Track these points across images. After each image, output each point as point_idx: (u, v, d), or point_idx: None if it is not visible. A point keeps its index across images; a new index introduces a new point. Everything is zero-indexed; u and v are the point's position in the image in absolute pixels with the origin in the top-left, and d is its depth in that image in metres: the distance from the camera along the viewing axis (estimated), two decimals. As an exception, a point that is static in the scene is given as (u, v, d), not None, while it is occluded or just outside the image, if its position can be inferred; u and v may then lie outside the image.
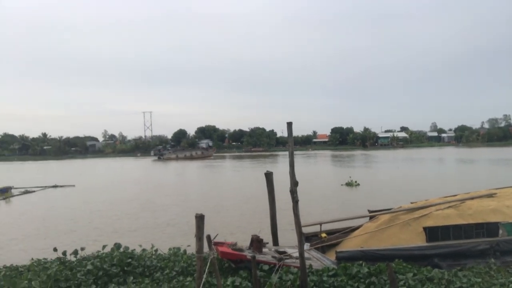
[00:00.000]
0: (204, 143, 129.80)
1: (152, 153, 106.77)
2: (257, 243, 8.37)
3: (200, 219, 5.77)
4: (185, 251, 9.10)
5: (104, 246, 8.61)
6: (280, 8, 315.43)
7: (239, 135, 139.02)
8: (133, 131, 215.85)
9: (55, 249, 8.34)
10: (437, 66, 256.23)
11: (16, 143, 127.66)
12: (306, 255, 7.31)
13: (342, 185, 28.30)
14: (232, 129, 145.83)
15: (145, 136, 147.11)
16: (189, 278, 7.16)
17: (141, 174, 48.62)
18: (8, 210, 23.07)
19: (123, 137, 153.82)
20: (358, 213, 13.39)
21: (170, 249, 9.24)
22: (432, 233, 8.77)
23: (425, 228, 8.89)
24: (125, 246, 8.57)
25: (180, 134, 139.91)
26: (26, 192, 30.07)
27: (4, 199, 26.82)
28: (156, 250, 9.08)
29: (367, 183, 28.95)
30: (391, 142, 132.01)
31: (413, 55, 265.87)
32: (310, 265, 7.25)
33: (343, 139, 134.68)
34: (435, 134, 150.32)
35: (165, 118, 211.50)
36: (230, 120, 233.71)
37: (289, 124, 6.59)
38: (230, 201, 22.53)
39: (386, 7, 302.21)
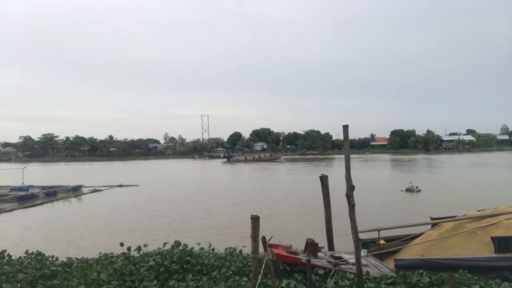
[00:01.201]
0: (258, 145, 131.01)
1: (222, 155, 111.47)
2: (312, 247, 8.32)
3: (255, 220, 5.88)
4: (241, 251, 9.27)
5: (165, 244, 9.03)
6: (333, 10, 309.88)
7: (293, 138, 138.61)
8: (191, 134, 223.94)
9: (121, 244, 8.90)
10: (507, 63, 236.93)
11: (86, 144, 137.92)
12: (363, 261, 7.14)
13: (401, 190, 27.16)
14: (286, 132, 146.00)
15: (202, 138, 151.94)
16: (244, 278, 7.30)
17: (201, 175, 50.16)
18: (79, 207, 24.97)
19: (182, 140, 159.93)
20: (419, 220, 12.80)
21: (226, 249, 9.46)
22: (501, 243, 8.16)
23: (493, 238, 8.29)
24: (184, 244, 8.92)
25: (236, 137, 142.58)
26: (95, 190, 32.33)
27: (75, 196, 29.10)
28: (213, 249, 9.34)
29: (429, 189, 27.52)
30: (456, 146, 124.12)
31: (479, 53, 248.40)
32: (368, 272, 7.08)
33: (404, 143, 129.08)
34: (506, 137, 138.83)
35: (221, 121, 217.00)
36: (284, 122, 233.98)
37: (345, 127, 6.50)
38: (285, 204, 22.56)
39: (447, 3, 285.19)
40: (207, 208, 21.68)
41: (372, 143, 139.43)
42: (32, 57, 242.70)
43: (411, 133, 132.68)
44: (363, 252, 8.63)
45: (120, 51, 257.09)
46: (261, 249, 6.47)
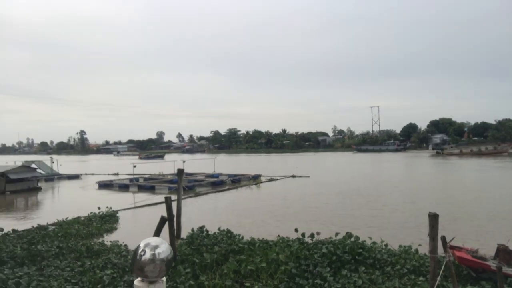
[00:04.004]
0: (437, 138, 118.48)
1: (430, 147, 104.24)
2: (505, 254, 7.28)
3: (433, 218, 5.55)
4: (416, 250, 8.80)
5: (336, 234, 9.30)
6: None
7: (481, 129, 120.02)
8: (360, 126, 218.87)
9: (296, 230, 9.60)
10: None
11: (263, 138, 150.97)
12: None
13: None
14: (472, 122, 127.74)
15: (372, 131, 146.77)
16: (421, 278, 6.95)
17: (375, 170, 48.86)
18: (258, 193, 27.71)
19: (351, 132, 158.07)
20: None
21: (400, 246, 9.13)
22: None
23: None
24: (356, 236, 9.01)
25: (410, 128, 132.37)
26: (271, 179, 35.23)
27: (255, 184, 32.35)
28: (386, 245, 9.14)
29: None
30: None
31: None
32: None
33: None
34: None
35: (394, 112, 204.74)
36: (469, 111, 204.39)
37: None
38: (470, 205, 20.02)
39: None
40: (377, 204, 21.05)
41: None
42: (219, 63, 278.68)
43: None
44: None
45: (293, 49, 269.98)
46: (440, 250, 6.05)
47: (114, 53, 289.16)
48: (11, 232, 12.78)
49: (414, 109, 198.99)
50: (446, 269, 5.59)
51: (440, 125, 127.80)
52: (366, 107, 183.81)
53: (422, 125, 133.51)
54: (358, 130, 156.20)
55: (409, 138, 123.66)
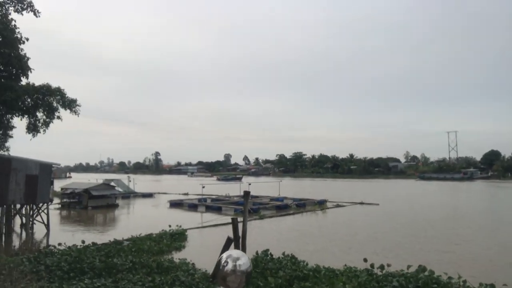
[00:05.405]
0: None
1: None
2: None
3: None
4: (500, 291, 7.97)
5: (409, 266, 8.75)
6: None
7: None
8: (436, 153, 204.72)
9: (365, 260, 9.20)
10: None
11: (329, 162, 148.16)
12: None
13: None
14: None
15: (449, 157, 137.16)
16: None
17: (452, 200, 45.48)
18: (324, 220, 27.13)
19: (426, 159, 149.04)
20: None
21: (481, 284, 8.33)
22: None
23: None
24: (430, 270, 8.40)
25: (492, 156, 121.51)
26: (338, 205, 34.28)
27: (321, 210, 31.70)
28: (464, 282, 8.39)
29: None
30: None
31: None
32: None
33: None
34: None
35: (474, 138, 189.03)
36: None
37: None
38: None
39: None
40: (454, 238, 19.45)
41: None
42: (285, 85, 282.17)
43: None
44: None
45: (362, 71, 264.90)
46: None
47: (187, 77, 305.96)
48: (91, 244, 13.81)
49: (497, 135, 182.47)
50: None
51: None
52: (442, 132, 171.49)
53: (506, 152, 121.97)
54: (433, 156, 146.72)
55: (491, 167, 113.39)
